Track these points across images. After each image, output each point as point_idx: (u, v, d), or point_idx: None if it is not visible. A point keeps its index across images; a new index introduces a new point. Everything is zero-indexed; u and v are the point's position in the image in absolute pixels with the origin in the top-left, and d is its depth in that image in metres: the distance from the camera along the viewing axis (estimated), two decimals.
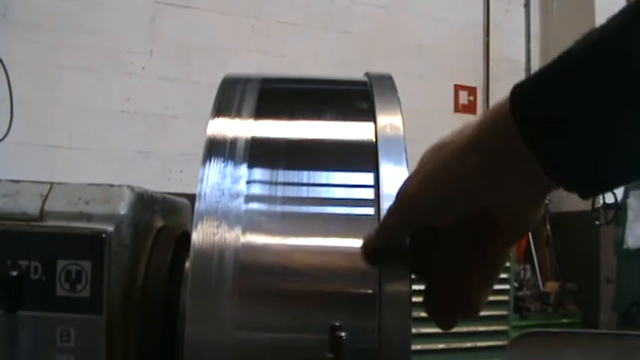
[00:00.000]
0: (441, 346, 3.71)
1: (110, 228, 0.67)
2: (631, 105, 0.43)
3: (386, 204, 0.57)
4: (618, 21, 0.44)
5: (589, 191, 0.48)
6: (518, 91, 0.47)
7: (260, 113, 0.67)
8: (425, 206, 0.53)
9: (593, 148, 0.45)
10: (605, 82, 0.43)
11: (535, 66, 5.31)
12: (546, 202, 5.07)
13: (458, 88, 5.14)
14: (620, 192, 4.02)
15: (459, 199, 0.51)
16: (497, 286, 3.87)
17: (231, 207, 0.58)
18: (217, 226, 0.57)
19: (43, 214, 0.68)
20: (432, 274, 0.59)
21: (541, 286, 4.81)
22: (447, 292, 0.58)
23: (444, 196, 0.52)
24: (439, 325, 0.59)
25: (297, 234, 0.58)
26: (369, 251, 0.56)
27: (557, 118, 0.45)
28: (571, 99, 0.44)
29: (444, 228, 0.55)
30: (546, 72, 0.46)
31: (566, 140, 0.45)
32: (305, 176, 0.62)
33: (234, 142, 0.63)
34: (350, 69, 4.34)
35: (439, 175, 0.51)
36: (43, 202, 0.68)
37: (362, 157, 0.63)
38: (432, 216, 0.53)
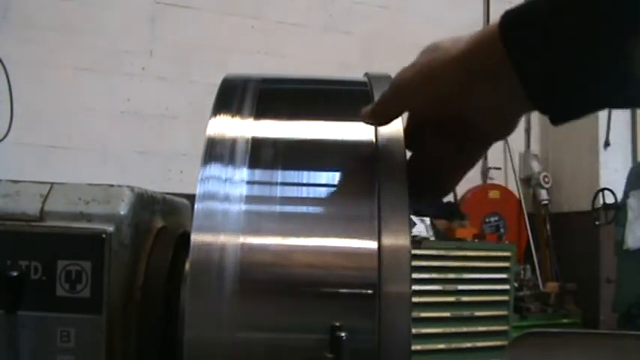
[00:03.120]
0: (441, 346, 3.71)
1: (110, 228, 0.67)
2: (618, 31, 0.47)
3: (385, 204, 0.57)
4: None
5: (562, 115, 0.53)
6: (508, 12, 0.52)
7: (260, 113, 0.67)
8: (413, 95, 0.60)
9: (574, 70, 0.50)
10: (592, 9, 0.47)
11: None
12: (546, 202, 5.08)
13: None
14: (620, 192, 4.02)
15: (441, 99, 0.58)
16: (497, 287, 3.88)
17: (230, 207, 0.58)
18: (217, 226, 0.57)
19: (43, 214, 0.68)
20: (419, 150, 0.66)
21: (541, 286, 4.81)
22: (427, 166, 0.65)
23: (430, 94, 0.58)
24: (416, 199, 0.63)
25: (296, 234, 0.58)
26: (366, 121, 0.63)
27: (541, 42, 0.50)
28: (557, 23, 0.49)
29: (429, 118, 0.62)
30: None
31: (547, 63, 0.50)
32: (305, 176, 0.62)
33: (234, 142, 0.63)
34: (350, 69, 4.34)
35: (428, 75, 0.57)
36: (43, 202, 0.68)
37: (362, 157, 0.63)
38: (417, 106, 0.61)
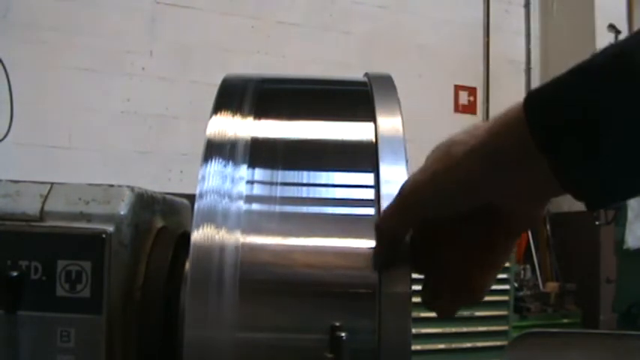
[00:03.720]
0: (441, 346, 3.71)
1: (110, 228, 0.67)
2: None
3: (386, 204, 0.57)
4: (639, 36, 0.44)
5: (597, 202, 0.48)
6: (533, 96, 0.47)
7: (260, 113, 0.67)
8: (430, 201, 0.53)
9: (607, 158, 0.45)
10: (623, 93, 0.43)
11: (535, 66, 5.31)
12: None
13: (458, 88, 5.14)
14: None
15: (466, 197, 0.52)
16: (497, 287, 3.87)
17: (230, 207, 0.58)
18: (217, 226, 0.57)
19: (43, 215, 0.68)
20: (433, 265, 0.59)
21: (541, 286, 4.81)
22: (449, 282, 0.59)
23: (451, 193, 0.52)
24: (439, 313, 0.60)
25: (296, 234, 0.58)
26: (376, 260, 0.56)
27: (572, 126, 0.45)
28: (587, 106, 0.44)
29: (444, 224, 0.56)
30: (563, 79, 0.46)
31: (579, 149, 0.45)
32: (305, 176, 0.62)
33: (234, 142, 0.63)
34: (350, 69, 4.33)
35: (448, 173, 0.52)
36: (43, 203, 0.68)
37: (362, 157, 0.63)
38: (436, 211, 0.54)
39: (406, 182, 0.55)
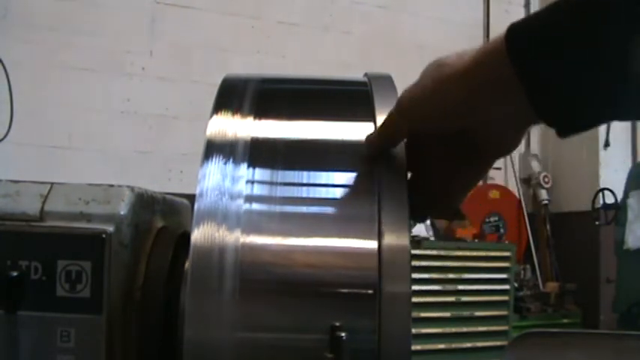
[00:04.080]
0: (441, 346, 3.71)
1: (110, 228, 0.67)
2: (622, 34, 0.47)
3: (386, 204, 0.57)
4: None
5: (568, 129, 0.52)
6: (513, 26, 0.51)
7: (260, 113, 0.67)
8: (420, 114, 0.59)
9: (581, 89, 0.49)
10: (599, 25, 0.47)
11: None
12: (546, 202, 5.08)
13: None
14: (620, 192, 4.02)
15: (448, 115, 0.57)
16: (497, 287, 3.88)
17: (230, 207, 0.58)
18: (217, 226, 0.57)
19: (43, 215, 0.68)
20: (422, 169, 0.65)
21: (541, 286, 4.81)
22: (429, 189, 0.65)
23: (437, 110, 0.58)
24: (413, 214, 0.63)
25: (296, 234, 0.58)
26: (373, 148, 0.62)
27: (545, 52, 0.49)
28: (560, 35, 0.49)
29: (435, 135, 0.61)
30: (540, 12, 0.50)
31: (551, 73, 0.50)
32: (305, 176, 0.62)
33: (233, 142, 0.63)
34: (350, 69, 4.33)
35: (435, 92, 0.57)
36: (43, 203, 0.68)
37: (361, 157, 0.63)
38: (424, 123, 0.59)
39: (402, 94, 0.60)
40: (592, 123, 0.52)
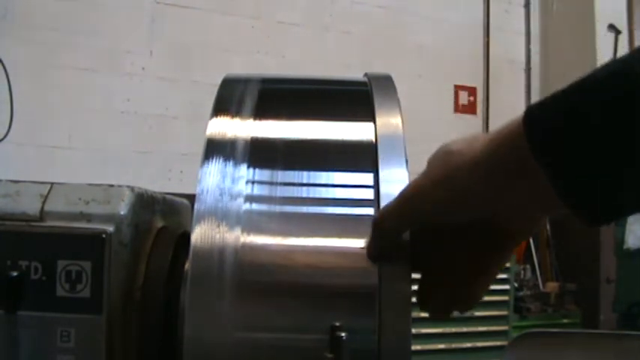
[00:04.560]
0: (441, 346, 3.71)
1: (110, 228, 0.67)
2: None
3: (385, 203, 0.57)
4: None
5: (597, 219, 0.47)
6: (532, 109, 0.47)
7: (260, 113, 0.67)
8: (429, 208, 0.54)
9: (607, 176, 0.45)
10: (623, 109, 0.43)
11: (535, 66, 5.31)
12: None
13: (458, 88, 5.14)
14: None
15: (463, 207, 0.53)
16: (497, 287, 3.87)
17: (230, 207, 0.58)
18: (217, 227, 0.57)
19: (43, 215, 0.68)
20: (431, 266, 0.60)
21: (541, 286, 4.81)
22: (445, 284, 0.60)
23: (449, 202, 0.53)
24: (432, 314, 0.61)
25: (296, 234, 0.58)
26: (371, 252, 0.56)
27: (571, 143, 0.45)
28: (586, 123, 0.44)
29: (443, 228, 0.56)
30: (562, 93, 0.46)
31: (579, 166, 0.45)
32: (305, 176, 0.62)
33: (233, 142, 0.63)
34: (350, 69, 4.33)
35: (447, 183, 0.52)
36: (43, 203, 0.68)
37: (361, 157, 0.63)
38: (434, 218, 0.55)
39: (407, 186, 0.55)
40: (625, 211, 0.47)
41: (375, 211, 0.59)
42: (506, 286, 3.93)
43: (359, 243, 0.57)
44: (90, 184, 0.71)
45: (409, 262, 0.56)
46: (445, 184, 0.52)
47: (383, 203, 0.58)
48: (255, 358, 0.55)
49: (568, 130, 0.45)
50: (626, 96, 0.43)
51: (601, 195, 0.45)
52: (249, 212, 0.58)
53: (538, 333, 1.70)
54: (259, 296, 0.56)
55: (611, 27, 4.72)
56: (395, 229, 0.56)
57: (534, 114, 0.47)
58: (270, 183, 0.61)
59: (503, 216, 0.54)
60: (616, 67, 0.44)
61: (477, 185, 0.51)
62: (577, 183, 0.45)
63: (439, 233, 0.58)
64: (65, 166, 3.87)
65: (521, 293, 4.44)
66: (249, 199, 0.59)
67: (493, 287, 3.91)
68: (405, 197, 0.55)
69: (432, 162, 0.54)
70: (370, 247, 0.57)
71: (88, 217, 0.68)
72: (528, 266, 4.90)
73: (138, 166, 4.09)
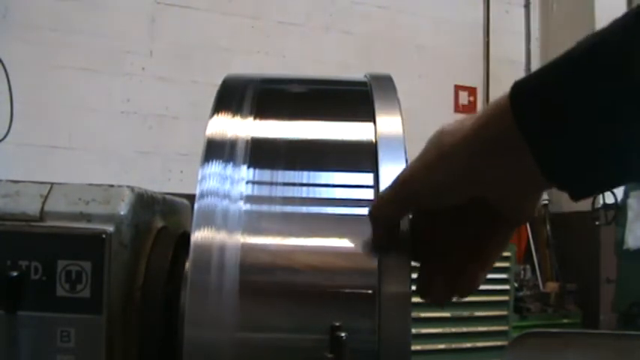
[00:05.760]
0: (441, 346, 3.70)
1: (110, 228, 0.67)
2: (629, 108, 0.44)
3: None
4: (620, 25, 0.45)
5: (581, 192, 0.49)
6: (518, 86, 0.48)
7: (260, 113, 0.67)
8: (423, 191, 0.55)
9: (589, 149, 0.46)
10: (603, 84, 0.44)
11: (535, 66, 5.30)
12: (546, 202, 5.07)
13: (458, 88, 5.14)
14: (620, 192, 4.02)
15: (456, 188, 0.53)
16: (497, 287, 3.88)
17: (230, 207, 0.58)
18: (217, 227, 0.57)
19: (43, 215, 0.68)
20: (429, 252, 0.60)
21: (541, 286, 4.81)
22: (445, 270, 0.60)
23: (442, 183, 0.53)
24: (431, 301, 0.61)
25: (297, 234, 0.58)
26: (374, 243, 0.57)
27: (555, 117, 0.46)
28: (569, 99, 0.45)
29: (442, 213, 0.57)
30: (546, 70, 0.47)
31: (562, 139, 0.46)
32: (305, 177, 0.62)
33: (233, 142, 0.63)
34: (350, 69, 4.34)
35: (439, 163, 0.53)
36: (43, 203, 0.68)
37: (362, 157, 0.63)
38: (429, 200, 0.55)
39: (402, 171, 0.56)
40: (605, 186, 0.49)
41: None
42: (506, 286, 3.93)
43: (359, 243, 0.57)
44: (90, 184, 0.71)
45: (409, 250, 0.56)
46: (438, 165, 0.53)
47: None
48: (255, 358, 0.55)
49: (549, 102, 0.46)
50: (608, 68, 0.44)
51: (582, 167, 0.47)
52: (249, 212, 0.58)
53: (538, 333, 1.70)
54: (259, 296, 0.56)
55: None
56: (392, 215, 0.57)
57: (519, 88, 0.48)
58: (270, 183, 0.61)
59: (495, 197, 0.54)
60: (592, 41, 0.46)
61: (468, 162, 0.51)
62: (559, 155, 0.47)
63: (437, 220, 0.58)
64: (65, 166, 3.87)
65: (521, 293, 4.44)
66: (249, 199, 0.59)
67: (493, 287, 3.92)
68: (400, 182, 0.56)
69: (426, 145, 0.55)
70: (374, 240, 0.57)
71: (88, 217, 0.68)
72: (528, 266, 4.90)
73: (138, 166, 4.09)
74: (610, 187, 0.49)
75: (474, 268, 0.61)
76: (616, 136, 0.45)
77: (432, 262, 0.61)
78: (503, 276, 3.92)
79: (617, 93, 0.44)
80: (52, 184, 0.71)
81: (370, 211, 0.57)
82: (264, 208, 0.60)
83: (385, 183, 0.59)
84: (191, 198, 0.67)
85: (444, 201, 0.55)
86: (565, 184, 0.48)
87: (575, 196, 0.49)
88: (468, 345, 3.80)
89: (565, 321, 4.47)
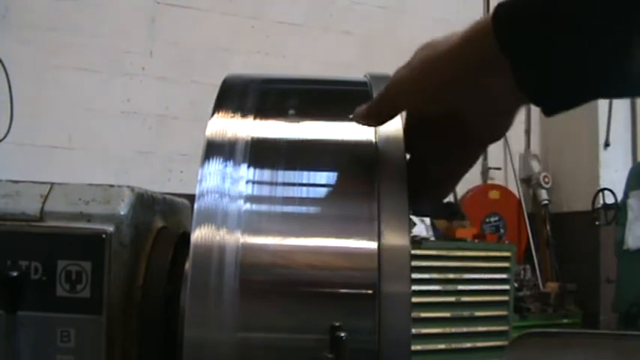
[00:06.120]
0: (441, 346, 3.71)
1: (110, 228, 0.67)
2: (608, 22, 0.47)
3: (386, 204, 0.57)
4: None
5: (555, 105, 0.52)
6: (501, 4, 0.51)
7: (260, 113, 0.67)
8: (408, 94, 0.60)
9: (566, 63, 0.49)
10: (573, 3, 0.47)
11: None
12: (546, 202, 5.08)
13: None
14: (620, 193, 4.02)
15: (437, 95, 0.58)
16: (497, 287, 3.88)
17: (230, 207, 0.58)
18: (217, 227, 0.57)
19: (43, 215, 0.68)
20: (417, 151, 0.66)
21: (541, 286, 4.81)
22: (426, 167, 0.66)
23: (425, 91, 0.58)
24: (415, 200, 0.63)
25: (296, 234, 0.58)
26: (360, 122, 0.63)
27: (529, 29, 0.49)
28: (549, 15, 0.49)
29: (427, 118, 0.62)
30: None
31: (535, 51, 0.50)
32: (304, 176, 0.62)
33: (233, 142, 0.63)
34: (350, 69, 4.34)
35: (423, 71, 0.58)
36: (43, 203, 0.68)
37: (362, 157, 0.63)
38: (412, 105, 0.61)
39: (392, 76, 0.61)
40: (577, 101, 0.52)
41: (376, 211, 0.59)
42: (506, 286, 3.93)
43: (359, 243, 0.57)
44: (90, 184, 0.71)
45: (409, 261, 0.56)
46: (422, 72, 0.57)
47: (383, 203, 0.58)
48: (255, 358, 0.55)
49: (526, 20, 0.50)
50: None
51: (555, 83, 0.50)
52: (249, 212, 0.58)
53: (538, 333, 1.70)
54: (259, 296, 0.56)
55: None
56: (381, 113, 0.62)
57: (501, 5, 0.51)
58: (270, 183, 0.61)
59: (472, 110, 0.58)
60: None
61: (451, 74, 0.56)
62: (533, 70, 0.50)
63: (420, 124, 0.63)
64: (65, 166, 3.87)
65: (521, 293, 4.45)
66: (249, 199, 0.59)
67: (493, 287, 3.92)
68: (387, 86, 0.60)
69: (415, 54, 0.59)
70: (361, 114, 0.62)
71: (88, 217, 0.68)
72: (528, 266, 4.90)
73: (138, 166, 4.09)
74: (584, 101, 0.52)
75: (447, 173, 0.67)
76: (593, 49, 0.48)
77: (422, 164, 0.66)
78: (503, 276, 3.92)
79: (597, 6, 0.47)
80: (52, 184, 0.71)
81: (360, 112, 0.62)
82: (264, 207, 0.60)
83: (385, 183, 0.60)
84: (191, 198, 0.67)
85: (426, 108, 0.60)
86: (539, 98, 0.52)
87: (548, 111, 0.52)
88: (468, 345, 3.80)
89: (565, 321, 4.48)
